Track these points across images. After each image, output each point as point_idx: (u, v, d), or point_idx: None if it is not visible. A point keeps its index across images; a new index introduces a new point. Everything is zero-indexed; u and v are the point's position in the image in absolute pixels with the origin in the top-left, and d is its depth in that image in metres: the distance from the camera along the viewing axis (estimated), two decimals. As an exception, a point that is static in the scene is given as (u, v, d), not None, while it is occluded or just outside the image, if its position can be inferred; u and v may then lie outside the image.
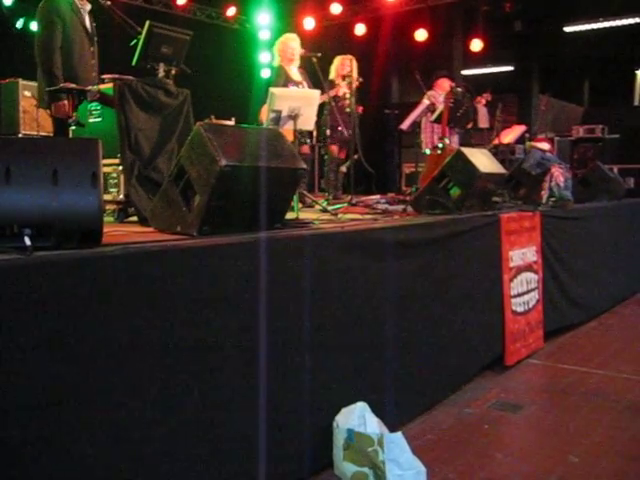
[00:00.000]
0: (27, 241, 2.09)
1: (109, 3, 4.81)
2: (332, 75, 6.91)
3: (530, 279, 4.91)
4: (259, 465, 2.62)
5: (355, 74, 6.65)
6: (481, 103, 7.21)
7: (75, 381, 2.00)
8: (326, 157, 6.89)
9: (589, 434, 3.46)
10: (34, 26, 8.95)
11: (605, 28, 12.88)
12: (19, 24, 9.25)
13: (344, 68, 6.77)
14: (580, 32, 13.25)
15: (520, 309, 4.71)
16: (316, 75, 6.44)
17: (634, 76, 16.14)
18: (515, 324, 4.61)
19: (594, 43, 13.39)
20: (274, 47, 6.56)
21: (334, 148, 6.79)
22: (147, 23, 4.09)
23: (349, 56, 6.91)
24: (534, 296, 4.95)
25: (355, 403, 2.99)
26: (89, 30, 4.77)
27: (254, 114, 6.73)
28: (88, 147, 2.34)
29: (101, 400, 2.08)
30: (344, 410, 2.96)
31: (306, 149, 6.35)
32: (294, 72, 6.38)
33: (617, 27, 12.76)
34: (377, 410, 3.01)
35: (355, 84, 6.25)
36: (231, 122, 8.28)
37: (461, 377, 4.15)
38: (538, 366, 4.68)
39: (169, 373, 2.29)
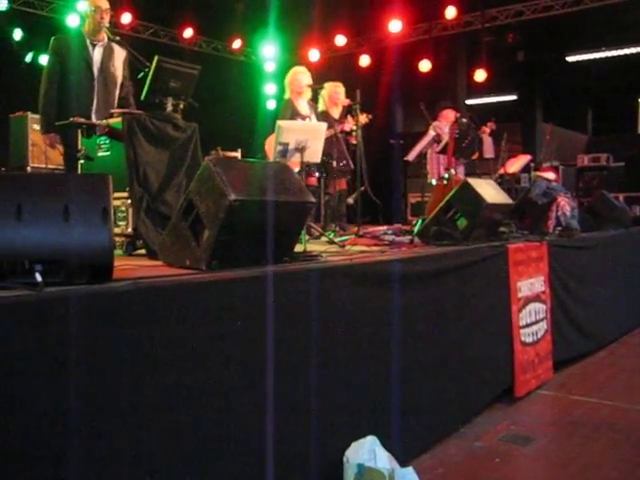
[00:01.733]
0: (38, 277, 2.10)
1: (118, 38, 4.91)
2: (325, 104, 6.73)
3: (538, 309, 4.89)
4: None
5: (343, 97, 6.64)
6: (486, 133, 7.23)
7: (84, 416, 1.99)
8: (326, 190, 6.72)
9: (601, 468, 3.42)
10: (43, 60, 9.14)
11: (607, 57, 12.99)
12: (28, 58, 9.38)
13: (338, 97, 6.76)
14: (582, 61, 13.36)
15: (529, 340, 4.68)
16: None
17: (637, 104, 16.22)
18: (524, 355, 4.58)
19: (596, 72, 13.50)
20: (285, 79, 6.60)
21: (330, 183, 6.67)
22: (156, 58, 4.14)
23: (338, 83, 6.90)
24: (543, 326, 4.92)
25: (365, 437, 2.96)
26: (93, 66, 4.82)
27: (260, 145, 6.76)
28: (99, 183, 2.36)
29: (105, 437, 2.06)
30: (354, 444, 2.93)
31: (313, 180, 6.36)
32: (302, 105, 6.39)
33: (619, 56, 12.86)
34: (387, 444, 2.98)
35: (365, 120, 6.24)
36: (237, 154, 8.36)
37: (471, 409, 4.11)
38: (548, 397, 4.64)
39: (178, 406, 2.28)
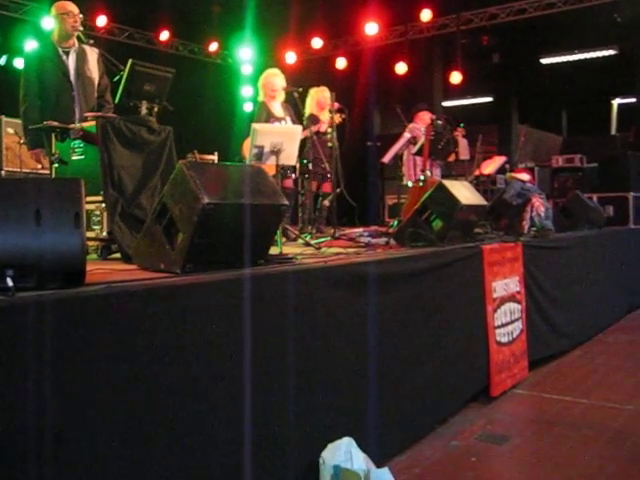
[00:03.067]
0: (9, 282, 2.08)
1: (92, 42, 4.87)
2: (313, 109, 6.85)
3: (514, 309, 4.93)
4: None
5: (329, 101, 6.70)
6: (460, 135, 7.29)
7: (57, 421, 1.98)
8: (302, 191, 6.80)
9: (576, 464, 3.46)
10: (17, 63, 9.05)
11: (581, 60, 13.15)
12: (2, 61, 9.25)
13: (326, 102, 6.79)
14: (557, 64, 13.51)
15: (504, 339, 4.72)
16: (298, 109, 6.51)
17: (610, 106, 16.43)
18: (500, 355, 4.63)
19: (571, 74, 13.66)
20: (258, 82, 6.60)
21: (313, 183, 6.76)
22: (129, 62, 4.12)
23: (324, 87, 6.94)
24: (518, 326, 4.97)
25: (341, 438, 2.97)
26: (71, 75, 4.77)
27: (237, 148, 6.75)
28: (71, 187, 2.35)
29: (80, 446, 2.05)
30: (330, 446, 2.94)
31: (289, 183, 6.37)
32: (277, 108, 6.40)
33: (592, 59, 13.03)
34: (363, 445, 2.99)
35: (339, 120, 6.27)
36: (214, 157, 8.35)
37: (447, 409, 4.14)
38: (523, 396, 4.69)
39: (153, 409, 2.28)
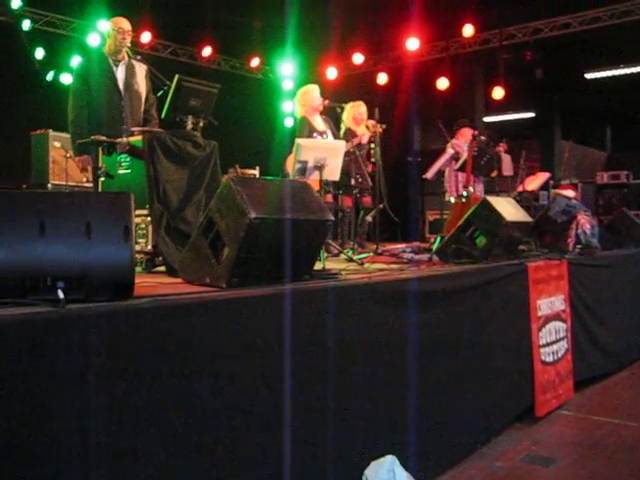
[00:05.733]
0: (60, 294, 2.11)
1: (139, 57, 4.97)
2: (349, 123, 6.80)
3: (559, 328, 4.84)
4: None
5: (366, 115, 6.70)
6: (502, 150, 7.22)
7: (105, 431, 1.99)
8: (343, 207, 6.77)
9: (625, 490, 3.36)
10: (64, 79, 9.27)
11: (626, 74, 12.93)
12: (49, 76, 9.50)
13: (362, 117, 6.79)
14: (601, 79, 13.31)
15: (549, 359, 4.63)
16: (340, 125, 6.52)
17: (656, 122, 16.12)
18: (545, 374, 4.53)
19: (615, 89, 13.44)
20: (296, 98, 6.61)
21: (347, 198, 6.75)
22: (176, 77, 4.19)
23: (359, 103, 6.94)
24: (563, 345, 4.87)
25: (384, 456, 2.94)
26: (120, 85, 4.89)
27: (278, 163, 6.77)
28: (120, 201, 2.38)
29: (125, 460, 2.06)
30: (373, 464, 2.91)
31: (329, 197, 6.37)
32: (318, 122, 6.42)
33: (638, 73, 12.80)
34: (406, 463, 2.96)
35: (379, 131, 6.24)
36: (255, 171, 8.40)
37: (491, 429, 4.06)
38: (569, 417, 4.58)
39: (198, 422, 2.28)
